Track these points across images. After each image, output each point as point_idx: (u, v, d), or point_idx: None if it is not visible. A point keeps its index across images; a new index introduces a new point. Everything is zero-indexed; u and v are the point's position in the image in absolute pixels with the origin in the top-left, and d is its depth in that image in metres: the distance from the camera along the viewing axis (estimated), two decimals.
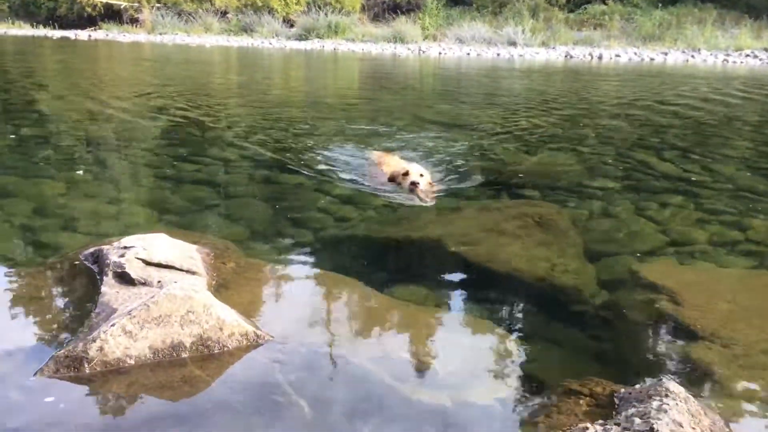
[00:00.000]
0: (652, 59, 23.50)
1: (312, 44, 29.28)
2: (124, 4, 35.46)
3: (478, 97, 12.58)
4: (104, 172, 5.39)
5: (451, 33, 30.28)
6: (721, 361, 2.56)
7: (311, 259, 3.68)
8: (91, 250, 3.26)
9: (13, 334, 2.60)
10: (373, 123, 8.47)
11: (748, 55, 23.86)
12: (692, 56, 24.12)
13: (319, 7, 32.22)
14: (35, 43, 25.51)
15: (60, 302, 2.90)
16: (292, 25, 33.43)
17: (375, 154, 6.11)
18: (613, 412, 2.08)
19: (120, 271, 2.88)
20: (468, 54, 25.71)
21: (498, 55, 25.45)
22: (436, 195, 4.94)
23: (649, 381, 2.23)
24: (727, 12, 28.89)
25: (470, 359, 2.62)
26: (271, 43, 29.81)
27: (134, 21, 35.49)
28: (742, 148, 7.18)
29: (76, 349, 2.32)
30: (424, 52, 26.26)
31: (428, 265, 3.72)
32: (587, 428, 1.84)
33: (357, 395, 2.29)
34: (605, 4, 31.55)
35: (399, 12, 32.65)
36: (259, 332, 2.58)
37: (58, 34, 32.27)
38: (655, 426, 1.79)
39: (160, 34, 33.02)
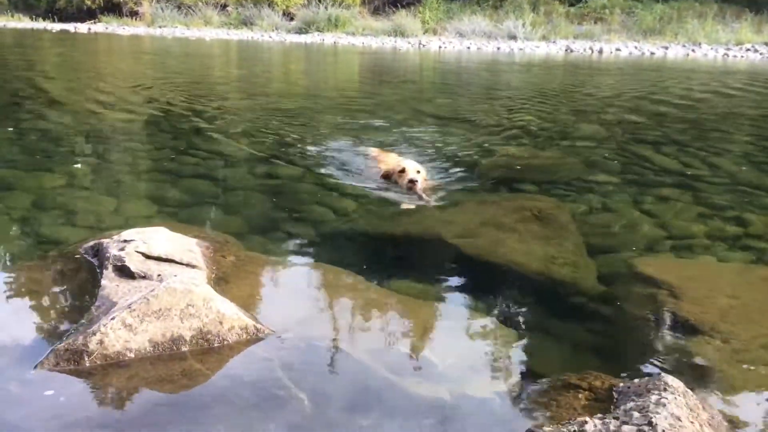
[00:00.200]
0: (652, 53, 23.45)
1: (312, 38, 29.21)
2: None
3: (478, 91, 12.56)
4: (104, 166, 5.39)
5: (451, 27, 30.20)
6: (719, 355, 2.57)
7: (311, 253, 3.69)
8: (91, 243, 3.27)
9: (12, 328, 2.60)
10: (373, 117, 8.46)
11: (748, 50, 23.81)
12: (693, 50, 24.06)
13: (319, 1, 32.10)
14: (34, 36, 25.45)
15: (60, 295, 2.90)
16: (292, 19, 33.33)
17: (373, 151, 6.02)
18: (612, 406, 2.09)
19: (120, 264, 2.88)
20: (468, 48, 25.66)
21: (498, 48, 25.39)
22: (436, 194, 4.84)
23: (647, 375, 2.24)
24: (728, 6, 28.80)
25: (469, 353, 2.63)
26: (270, 37, 29.74)
27: (134, 14, 35.37)
28: (742, 143, 7.18)
29: (76, 343, 2.33)
30: (424, 45, 26.20)
31: (427, 259, 3.72)
32: (586, 422, 1.85)
33: (356, 389, 2.29)
34: None
35: (399, 5, 32.53)
36: (258, 326, 2.58)
37: (57, 27, 32.17)
38: (653, 420, 1.79)
39: (160, 27, 32.92)
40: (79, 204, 4.31)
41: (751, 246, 3.90)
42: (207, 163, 5.57)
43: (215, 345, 2.47)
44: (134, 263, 2.89)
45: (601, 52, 24.13)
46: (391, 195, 4.77)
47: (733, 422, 2.13)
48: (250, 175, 5.25)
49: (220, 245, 3.46)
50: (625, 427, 1.79)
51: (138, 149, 6.04)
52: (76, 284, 2.97)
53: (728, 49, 24.13)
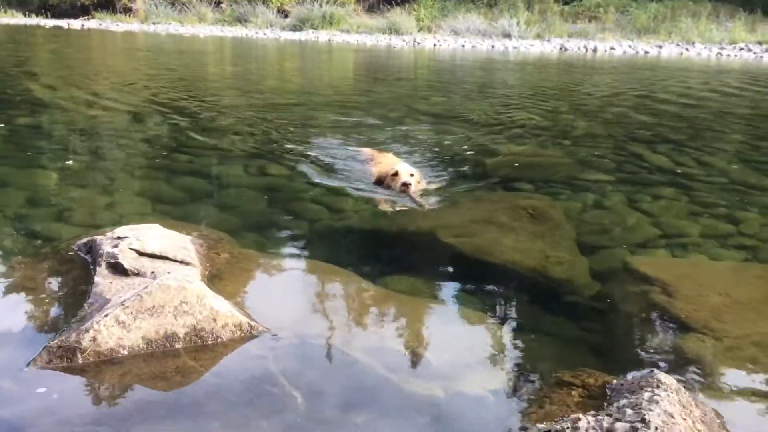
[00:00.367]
0: (646, 52, 23.51)
1: (306, 35, 29.16)
2: None
3: (472, 89, 12.57)
4: (97, 163, 5.37)
5: (446, 24, 30.21)
6: (712, 352, 2.58)
7: (305, 250, 3.68)
8: (84, 240, 3.25)
9: (5, 325, 2.59)
10: (368, 115, 8.45)
11: (742, 49, 23.90)
12: (686, 49, 24.14)
13: None
14: (27, 32, 25.32)
15: (53, 292, 2.89)
16: (286, 16, 33.27)
17: (366, 152, 5.90)
18: (605, 403, 2.09)
19: (113, 261, 2.87)
20: (463, 46, 25.66)
21: (493, 47, 25.41)
22: (430, 197, 4.70)
23: (640, 372, 2.25)
24: (722, 5, 28.91)
25: (463, 350, 2.63)
26: (265, 34, 29.68)
27: (127, 10, 35.25)
28: (735, 142, 7.20)
29: (69, 340, 2.32)
30: (419, 43, 26.20)
31: (422, 257, 3.72)
32: (579, 419, 1.85)
33: (351, 386, 2.29)
34: None
35: (394, 3, 32.51)
36: (252, 323, 2.58)
37: (50, 23, 32.02)
38: (646, 417, 1.80)
39: (154, 23, 32.82)
40: (73, 201, 4.29)
41: (743, 244, 3.92)
42: (201, 160, 5.56)
43: (209, 342, 2.47)
44: (127, 260, 2.88)
45: (595, 50, 24.18)
46: (383, 196, 4.72)
47: (726, 419, 2.14)
48: (244, 172, 5.24)
49: (214, 242, 3.45)
50: (618, 424, 1.80)
51: (131, 146, 6.02)
52: (69, 281, 2.96)
53: (722, 48, 24.22)
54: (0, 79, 10.86)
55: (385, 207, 4.50)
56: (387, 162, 5.29)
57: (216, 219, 4.07)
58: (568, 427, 1.82)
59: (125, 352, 2.35)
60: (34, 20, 33.47)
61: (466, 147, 6.54)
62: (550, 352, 2.69)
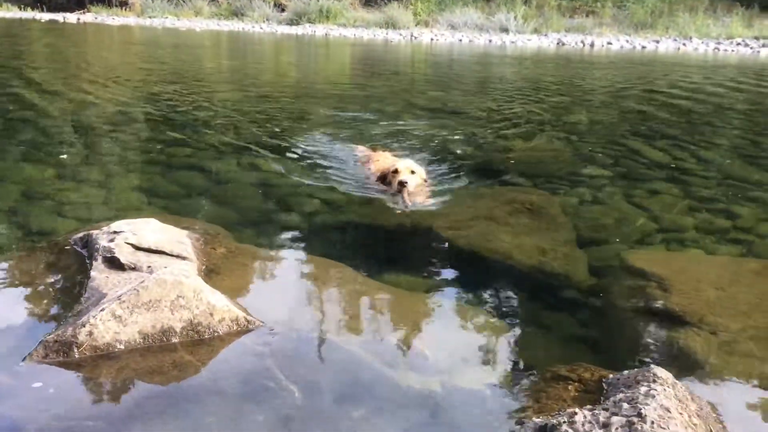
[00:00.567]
0: (643, 47, 23.51)
1: (303, 29, 29.09)
2: None
3: (469, 83, 12.55)
4: (93, 157, 5.35)
5: (443, 19, 30.17)
6: (708, 347, 2.59)
7: (302, 245, 3.68)
8: (81, 234, 3.24)
9: (1, 319, 2.58)
10: (365, 109, 8.44)
11: (739, 44, 23.92)
12: (683, 44, 24.15)
13: None
14: (23, 26, 25.20)
15: (49, 287, 2.88)
16: (283, 10, 33.18)
17: (361, 150, 5.77)
18: (602, 398, 2.10)
19: (109, 255, 2.86)
20: (460, 40, 25.62)
21: (490, 41, 25.37)
22: (428, 197, 4.52)
23: (637, 367, 2.25)
24: (719, 0, 28.90)
25: (460, 345, 2.63)
26: (261, 28, 29.59)
27: (123, 4, 35.09)
28: (732, 137, 7.21)
29: (66, 334, 2.31)
30: (416, 38, 26.15)
31: (419, 251, 3.72)
32: (575, 413, 1.86)
33: (347, 380, 2.29)
34: None
35: None
36: (249, 317, 2.58)
37: (46, 16, 31.88)
38: (642, 411, 1.80)
39: (150, 17, 32.70)
40: (69, 195, 4.28)
41: (739, 239, 3.93)
42: (197, 154, 5.55)
43: (206, 336, 2.47)
44: (124, 255, 2.87)
45: (592, 45, 24.17)
46: (373, 194, 4.62)
47: (721, 413, 2.14)
48: (240, 166, 5.23)
49: (210, 237, 3.44)
50: (614, 419, 1.80)
51: (127, 140, 6.00)
52: (65, 276, 2.95)
53: (719, 43, 24.23)
54: None
55: (383, 197, 4.47)
56: (385, 159, 5.20)
57: (212, 213, 4.07)
58: (564, 422, 1.82)
59: (122, 347, 2.34)
60: (29, 14, 33.33)
61: (463, 142, 6.54)
62: (547, 346, 2.70)
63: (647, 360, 2.53)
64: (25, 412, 2.01)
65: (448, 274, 3.39)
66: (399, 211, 4.17)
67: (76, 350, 2.28)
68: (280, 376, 2.26)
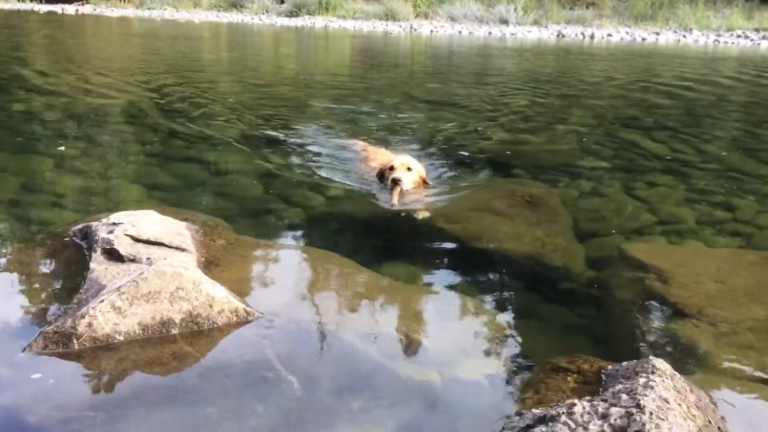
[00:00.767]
0: (643, 39, 23.45)
1: (302, 21, 28.99)
2: None
3: (469, 76, 12.53)
4: (92, 149, 5.34)
5: (443, 11, 30.07)
6: (707, 339, 2.59)
7: (301, 236, 3.68)
8: (80, 226, 3.24)
9: (0, 311, 2.59)
10: (364, 101, 8.42)
11: (739, 36, 23.86)
12: (684, 36, 24.09)
13: None
14: (21, 18, 25.11)
15: (48, 278, 2.88)
16: (282, 1, 33.07)
17: (360, 146, 5.61)
18: (600, 389, 2.10)
19: (109, 247, 2.86)
20: (460, 32, 25.56)
21: (490, 33, 25.31)
22: (425, 195, 4.38)
23: (635, 358, 2.25)
24: None
25: (459, 336, 2.63)
26: (261, 20, 29.50)
27: None
28: (732, 129, 7.21)
29: (65, 325, 2.31)
30: (415, 30, 26.08)
31: (418, 243, 3.72)
32: (574, 404, 1.86)
33: (346, 371, 2.29)
34: None
35: None
36: (249, 309, 2.58)
37: (44, 8, 31.75)
38: (641, 402, 1.81)
39: (149, 8, 32.60)
40: (68, 187, 4.27)
41: (739, 231, 3.93)
42: (196, 146, 5.54)
43: (205, 328, 2.47)
44: (123, 246, 2.87)
45: (592, 37, 24.11)
46: (366, 188, 4.53)
47: (720, 404, 2.15)
48: (239, 158, 5.22)
49: (210, 229, 3.44)
50: (613, 409, 1.80)
51: (127, 132, 5.99)
52: (64, 267, 2.95)
53: (719, 35, 24.17)
54: None
55: (374, 197, 4.36)
56: (389, 155, 5.02)
57: (212, 205, 4.06)
58: (563, 413, 1.82)
59: (121, 338, 2.35)
60: (27, 5, 33.20)
61: (463, 134, 6.53)
62: (546, 338, 2.70)
63: (646, 351, 2.53)
64: (24, 403, 2.02)
65: (447, 266, 3.39)
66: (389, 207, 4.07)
67: (75, 341, 2.29)
68: (279, 367, 2.26)
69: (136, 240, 2.95)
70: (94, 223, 3.15)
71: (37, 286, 2.81)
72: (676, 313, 2.80)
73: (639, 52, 18.31)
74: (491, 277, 3.28)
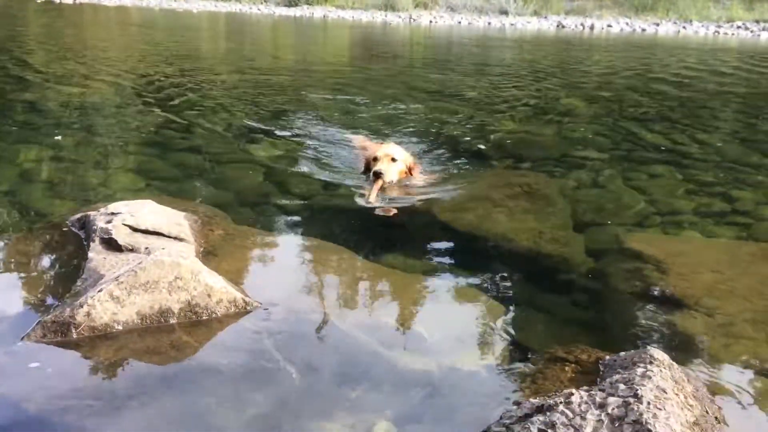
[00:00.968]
0: (643, 30, 23.39)
1: (301, 11, 28.88)
2: None
3: (468, 66, 12.49)
4: (90, 138, 5.32)
5: (442, 1, 29.94)
6: (704, 329, 2.60)
7: (299, 227, 3.67)
8: (78, 215, 3.24)
9: None
10: (363, 92, 8.40)
11: (739, 27, 23.81)
12: (684, 27, 24.03)
13: None
14: (18, 7, 24.96)
15: (46, 268, 2.88)
16: None
17: (358, 140, 5.47)
18: (598, 379, 2.11)
19: (107, 237, 2.86)
20: (459, 22, 25.47)
21: (489, 23, 25.23)
22: (415, 186, 4.23)
23: (633, 348, 2.26)
24: None
25: (457, 326, 2.64)
26: (259, 9, 29.37)
27: None
28: (731, 120, 7.20)
29: (63, 315, 2.32)
30: (415, 20, 25.99)
31: (416, 233, 3.72)
32: (572, 394, 1.86)
33: (345, 361, 2.30)
34: None
35: None
36: (247, 299, 2.58)
37: None
38: (639, 392, 1.81)
39: None
40: (66, 176, 4.26)
41: (737, 222, 3.93)
42: (195, 136, 5.52)
43: (204, 318, 2.47)
44: (121, 236, 2.87)
45: (592, 28, 24.04)
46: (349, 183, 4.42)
47: (717, 394, 2.16)
48: (238, 149, 5.21)
49: (208, 219, 3.44)
50: (611, 399, 1.81)
51: (125, 122, 5.97)
52: (62, 257, 2.95)
53: (719, 26, 24.12)
54: None
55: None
56: (375, 147, 4.78)
57: (210, 195, 4.06)
58: (561, 402, 1.83)
59: (120, 327, 2.35)
60: None
61: (461, 124, 6.52)
62: (544, 328, 2.70)
63: (644, 342, 2.54)
64: (22, 392, 2.02)
65: (446, 256, 3.39)
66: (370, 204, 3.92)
67: (73, 330, 2.29)
68: (278, 356, 2.26)
69: (135, 230, 2.95)
70: (92, 213, 3.14)
71: (35, 275, 2.81)
72: (674, 303, 2.81)
73: (639, 43, 18.27)
74: (489, 267, 3.28)
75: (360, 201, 3.99)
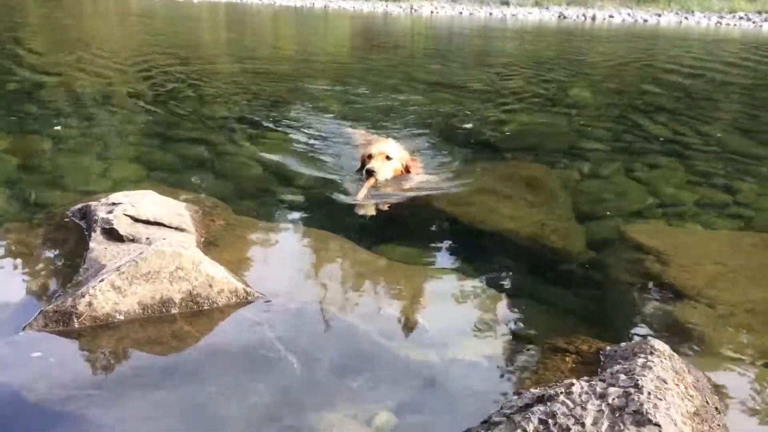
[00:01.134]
0: (645, 21, 23.30)
1: (302, 1, 28.77)
2: None
3: (470, 57, 12.45)
4: (90, 129, 5.32)
5: None
6: (705, 320, 2.60)
7: (301, 218, 3.67)
8: (79, 206, 3.23)
9: (0, 290, 2.59)
10: (363, 82, 8.38)
11: (741, 18, 23.72)
12: (686, 18, 23.94)
13: None
14: None
15: (48, 258, 2.88)
16: None
17: (359, 133, 5.35)
18: (599, 369, 2.11)
19: (108, 227, 2.86)
20: (460, 13, 25.38)
21: (491, 14, 25.14)
22: (410, 183, 4.13)
23: (634, 339, 2.26)
24: None
25: (458, 317, 2.64)
26: (260, 0, 29.24)
27: None
28: (733, 111, 7.18)
29: (65, 304, 2.32)
30: (416, 10, 25.89)
31: (418, 225, 3.71)
32: (573, 384, 1.87)
33: (346, 352, 2.30)
34: None
35: None
36: (248, 289, 2.58)
37: None
38: (639, 382, 1.81)
39: None
40: (66, 167, 4.26)
41: (739, 213, 3.92)
42: (195, 127, 5.51)
43: (205, 308, 2.47)
44: (122, 226, 2.87)
45: (594, 18, 23.95)
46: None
47: (718, 385, 2.16)
48: (239, 140, 5.19)
49: (209, 209, 3.44)
50: (611, 389, 1.81)
51: (124, 113, 5.96)
52: (64, 247, 2.95)
53: (721, 17, 24.02)
54: None
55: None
56: (372, 143, 4.59)
57: (211, 186, 4.05)
58: (561, 392, 1.83)
59: (121, 317, 2.35)
60: None
61: (463, 116, 6.50)
62: (545, 319, 2.70)
63: (645, 332, 2.54)
64: (24, 382, 2.02)
65: (447, 247, 3.39)
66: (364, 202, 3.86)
67: (75, 320, 2.29)
68: (279, 346, 2.27)
69: (136, 220, 2.95)
70: (93, 203, 3.14)
71: (36, 265, 2.81)
72: (675, 294, 2.81)
73: (641, 34, 18.20)
74: (491, 258, 3.28)
75: (347, 199, 3.90)
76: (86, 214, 3.12)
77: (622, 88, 8.58)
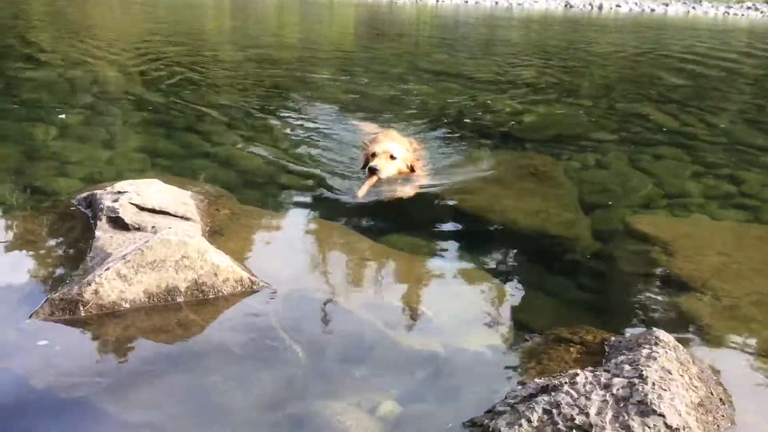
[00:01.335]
0: (652, 10, 23.15)
1: None
2: None
3: (475, 46, 12.40)
4: (96, 117, 5.32)
5: None
6: (710, 311, 2.59)
7: (306, 207, 3.67)
8: (85, 194, 3.24)
9: (6, 278, 2.60)
10: (368, 71, 8.36)
11: (749, 8, 23.54)
12: (693, 8, 23.78)
13: None
14: None
15: (54, 246, 2.89)
16: None
17: (366, 127, 5.21)
18: (603, 360, 2.11)
19: (114, 215, 2.86)
20: (466, 1, 25.24)
21: (497, 3, 25.00)
22: (415, 182, 4.06)
23: (639, 329, 2.26)
24: None
25: (463, 307, 2.64)
26: None
27: None
28: (740, 102, 7.14)
29: (71, 293, 2.33)
30: None
31: (423, 215, 3.71)
32: (577, 374, 1.87)
33: (350, 341, 2.31)
34: None
35: None
36: (253, 278, 2.59)
37: None
38: (644, 373, 1.81)
39: None
40: (72, 155, 4.26)
41: (744, 204, 3.91)
42: (200, 116, 5.50)
43: (210, 296, 2.48)
44: (128, 215, 2.87)
45: (600, 8, 23.80)
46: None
47: (722, 376, 2.16)
48: (244, 129, 5.19)
49: (214, 198, 3.44)
50: (615, 380, 1.81)
51: (130, 101, 5.96)
52: (69, 235, 2.96)
53: (729, 7, 23.85)
54: None
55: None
56: (378, 138, 4.47)
57: (216, 175, 4.05)
58: (566, 382, 1.83)
59: (127, 305, 2.36)
60: None
61: (468, 105, 6.48)
62: (550, 309, 2.70)
63: (649, 323, 2.54)
64: (31, 369, 2.03)
65: (452, 237, 3.38)
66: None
67: (81, 308, 2.30)
68: (283, 335, 2.27)
69: (141, 209, 2.95)
70: (98, 192, 3.15)
71: (42, 253, 2.82)
72: (680, 285, 2.80)
73: (648, 24, 18.08)
74: (496, 248, 3.28)
75: (347, 197, 3.83)
76: (92, 203, 3.13)
77: (628, 79, 8.55)
